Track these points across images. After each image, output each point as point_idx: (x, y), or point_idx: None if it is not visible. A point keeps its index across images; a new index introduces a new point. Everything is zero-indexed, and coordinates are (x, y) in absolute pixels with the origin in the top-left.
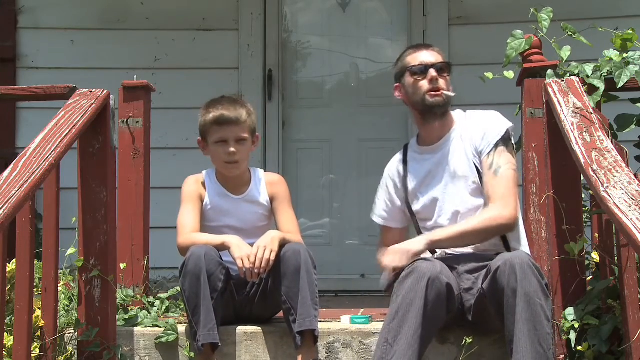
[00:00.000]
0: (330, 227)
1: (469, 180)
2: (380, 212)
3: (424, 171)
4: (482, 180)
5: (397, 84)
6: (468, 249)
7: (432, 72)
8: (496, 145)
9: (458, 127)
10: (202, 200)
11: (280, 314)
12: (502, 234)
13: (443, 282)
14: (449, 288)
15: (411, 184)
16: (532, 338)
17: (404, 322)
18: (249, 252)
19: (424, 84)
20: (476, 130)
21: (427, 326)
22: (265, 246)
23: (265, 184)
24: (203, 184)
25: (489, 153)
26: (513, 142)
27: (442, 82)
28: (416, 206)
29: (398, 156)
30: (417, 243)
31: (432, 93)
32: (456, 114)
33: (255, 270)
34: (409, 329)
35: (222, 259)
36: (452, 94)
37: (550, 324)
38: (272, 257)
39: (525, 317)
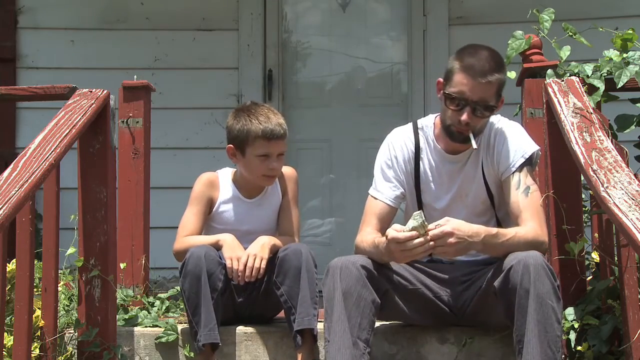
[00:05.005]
0: (330, 227)
1: (478, 200)
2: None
3: (434, 175)
4: (492, 199)
5: (440, 81)
6: (462, 257)
7: (466, 112)
8: (522, 166)
9: (481, 141)
10: (211, 203)
11: (281, 314)
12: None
13: (357, 265)
14: (366, 269)
15: (422, 181)
16: (541, 340)
17: (332, 316)
18: (239, 254)
19: (455, 115)
20: (502, 149)
21: (357, 311)
22: (256, 254)
23: (278, 177)
24: (217, 186)
25: (514, 173)
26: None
27: (475, 122)
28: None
29: (409, 138)
30: (479, 229)
31: (459, 127)
32: None
33: (246, 279)
34: (337, 320)
35: (222, 259)
36: (484, 127)
37: (560, 327)
38: (263, 265)
39: (537, 319)
